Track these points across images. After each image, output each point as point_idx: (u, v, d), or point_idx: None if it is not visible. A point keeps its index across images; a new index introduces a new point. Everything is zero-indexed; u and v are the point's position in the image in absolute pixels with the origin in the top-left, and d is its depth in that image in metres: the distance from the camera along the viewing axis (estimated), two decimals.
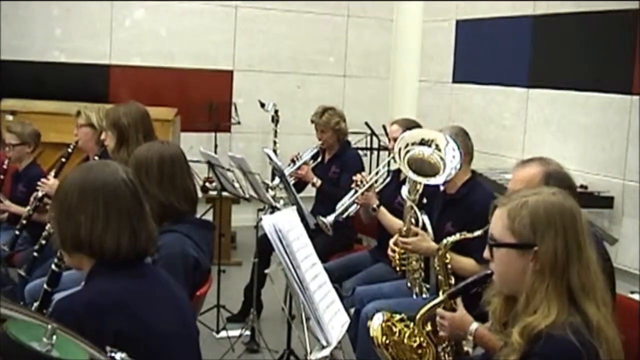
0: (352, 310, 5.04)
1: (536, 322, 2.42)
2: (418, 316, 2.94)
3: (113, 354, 1.95)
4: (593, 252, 2.57)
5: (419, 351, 2.93)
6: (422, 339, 2.93)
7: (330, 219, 5.82)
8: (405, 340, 2.89)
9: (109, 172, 2.71)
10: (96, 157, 5.40)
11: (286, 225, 2.83)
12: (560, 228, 2.49)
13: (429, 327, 3.13)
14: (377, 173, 6.01)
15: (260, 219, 2.88)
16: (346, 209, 5.83)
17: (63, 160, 5.78)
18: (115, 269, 2.64)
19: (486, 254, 2.68)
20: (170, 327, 2.69)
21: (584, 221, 2.56)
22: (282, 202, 6.45)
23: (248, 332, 6.17)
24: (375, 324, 2.80)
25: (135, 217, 2.69)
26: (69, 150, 5.79)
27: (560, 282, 2.46)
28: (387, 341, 2.78)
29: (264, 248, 5.95)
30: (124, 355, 1.95)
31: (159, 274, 2.89)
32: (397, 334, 2.86)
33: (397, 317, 2.93)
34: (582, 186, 7.41)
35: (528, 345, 2.41)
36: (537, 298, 2.46)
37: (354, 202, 5.74)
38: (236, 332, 6.18)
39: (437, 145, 4.44)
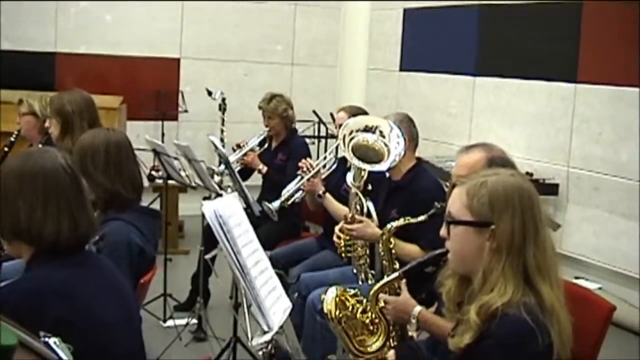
0: (295, 296, 5.06)
1: (492, 301, 2.43)
2: (371, 292, 2.94)
3: (47, 339, 1.92)
4: (549, 235, 2.60)
5: (371, 327, 2.93)
6: (374, 315, 2.93)
7: (275, 204, 5.81)
8: (358, 316, 2.90)
9: (48, 158, 2.67)
10: (40, 146, 5.34)
11: (227, 212, 2.82)
12: (518, 208, 2.51)
13: (381, 304, 3.13)
14: (324, 159, 6.02)
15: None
16: (292, 195, 5.83)
17: (6, 149, 5.71)
18: (55, 257, 2.60)
19: (443, 231, 2.67)
20: (111, 315, 2.67)
21: (540, 203, 2.59)
22: (229, 190, 6.42)
23: (195, 321, 6.15)
24: (329, 298, 2.80)
25: (74, 204, 2.65)
26: (12, 139, 5.73)
27: (516, 261, 2.48)
28: (340, 315, 2.77)
29: (211, 236, 5.89)
30: (57, 339, 1.92)
31: (100, 261, 2.87)
32: (350, 309, 2.86)
33: (351, 292, 2.93)
34: (527, 173, 7.45)
35: (483, 324, 2.43)
36: (494, 277, 2.47)
37: (299, 189, 5.74)
38: (183, 321, 6.13)
39: (381, 132, 4.43)
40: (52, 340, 1.92)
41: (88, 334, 2.50)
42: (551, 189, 7.53)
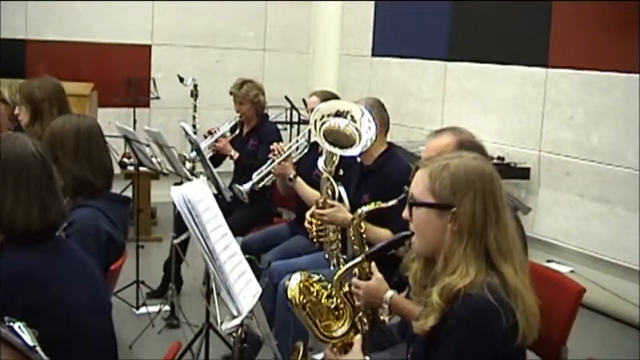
0: (266, 280, 5.05)
1: (454, 282, 2.44)
2: (335, 277, 2.93)
3: (11, 324, 1.91)
4: (511, 218, 2.60)
5: (336, 312, 2.92)
6: (339, 300, 2.93)
7: (246, 187, 5.82)
8: (323, 301, 2.88)
9: (18, 145, 2.65)
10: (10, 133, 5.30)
11: (195, 196, 2.80)
12: (480, 191, 2.51)
13: (346, 288, 3.13)
14: (296, 142, 6.02)
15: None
16: (263, 178, 5.83)
17: None
18: (25, 243, 2.58)
19: (405, 214, 2.68)
20: (81, 300, 2.66)
21: (502, 187, 2.59)
22: (201, 176, 6.40)
23: (167, 308, 6.14)
24: (293, 284, 2.79)
25: (45, 191, 2.64)
26: None
27: (478, 243, 2.49)
28: (305, 301, 2.76)
29: (183, 223, 5.89)
30: (21, 324, 1.91)
31: (70, 247, 2.85)
32: (314, 294, 2.85)
33: (315, 277, 2.92)
34: (499, 157, 7.52)
35: (447, 306, 2.43)
36: (456, 259, 2.48)
37: (270, 172, 5.74)
38: (156, 308, 6.12)
39: (352, 117, 4.41)
40: (17, 325, 1.91)
41: (57, 320, 2.50)
42: (523, 173, 7.57)
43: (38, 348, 1.91)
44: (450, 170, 2.55)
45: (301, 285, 2.79)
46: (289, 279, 2.82)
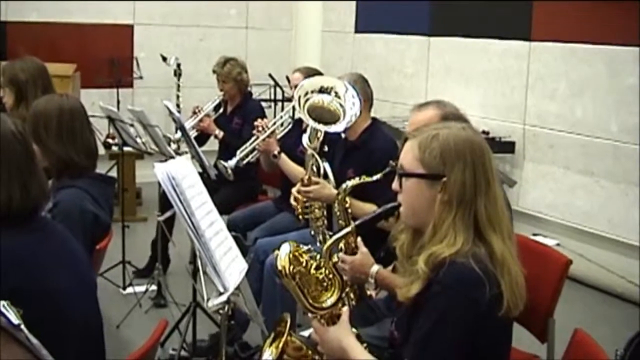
0: (252, 256, 5.06)
1: (440, 251, 2.43)
2: (324, 247, 2.92)
3: None
4: (500, 188, 2.60)
5: (325, 283, 2.92)
6: (327, 271, 2.92)
7: (231, 163, 5.81)
8: (312, 271, 2.87)
9: None
10: None
11: (180, 173, 2.80)
12: (469, 161, 2.50)
13: (335, 259, 3.13)
14: (281, 118, 6.01)
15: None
16: (247, 155, 5.82)
17: None
18: (7, 224, 2.56)
19: (395, 185, 2.67)
20: (66, 282, 2.63)
21: (491, 157, 2.59)
22: (186, 154, 6.39)
23: (154, 287, 6.14)
24: (283, 254, 2.77)
25: (26, 171, 2.61)
26: None
27: (467, 213, 2.48)
28: (294, 271, 2.76)
29: (168, 202, 5.88)
30: (5, 303, 1.90)
31: (54, 227, 2.83)
32: (303, 265, 2.84)
33: (304, 248, 2.91)
34: (483, 132, 7.51)
35: (432, 273, 2.43)
36: (444, 228, 2.47)
37: (255, 148, 5.73)
38: (142, 288, 6.12)
39: (336, 93, 4.40)
40: (1, 304, 1.90)
41: (42, 302, 2.48)
42: (507, 147, 7.60)
43: (23, 326, 1.91)
44: (439, 140, 2.54)
45: (290, 255, 2.78)
46: (279, 249, 2.82)
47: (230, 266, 2.90)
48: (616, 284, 6.65)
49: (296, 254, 2.83)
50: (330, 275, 2.93)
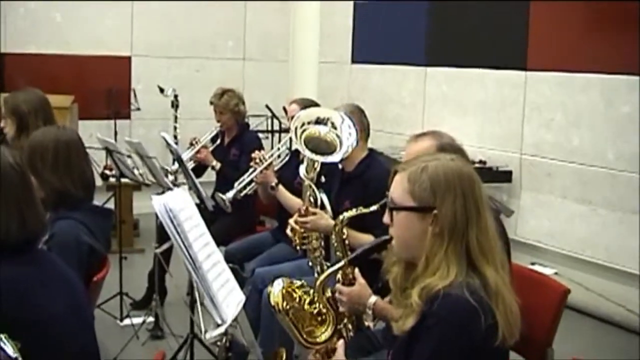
0: (249, 289, 5.05)
1: (434, 283, 2.43)
2: (317, 282, 2.93)
3: None
4: (491, 218, 2.60)
5: (319, 318, 2.92)
6: (321, 305, 2.92)
7: (229, 195, 5.81)
8: (306, 307, 2.88)
9: None
10: None
11: (177, 205, 2.80)
12: (459, 192, 2.51)
13: (329, 294, 3.13)
14: (278, 150, 6.02)
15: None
16: (245, 187, 5.82)
17: None
18: (4, 254, 2.56)
19: (386, 218, 2.67)
20: (62, 313, 2.63)
21: (481, 187, 2.59)
22: (183, 186, 6.40)
23: (152, 319, 6.11)
24: (276, 290, 2.78)
25: (23, 202, 2.62)
26: None
27: (459, 244, 2.48)
28: (288, 307, 2.76)
29: (165, 233, 5.88)
30: (3, 336, 1.90)
31: (50, 259, 2.83)
32: (297, 300, 2.84)
33: (298, 283, 2.92)
34: (480, 161, 7.54)
35: (426, 306, 2.43)
36: (437, 260, 2.47)
37: (252, 180, 5.73)
38: (140, 319, 6.10)
39: (332, 124, 4.41)
40: None
41: (39, 333, 2.48)
42: (505, 176, 7.61)
43: (20, 359, 1.91)
44: (428, 172, 2.55)
45: (284, 291, 2.79)
46: (272, 285, 2.82)
47: (228, 298, 2.89)
48: (615, 312, 6.64)
49: (289, 289, 2.84)
50: (324, 310, 2.93)
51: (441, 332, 2.37)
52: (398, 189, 2.61)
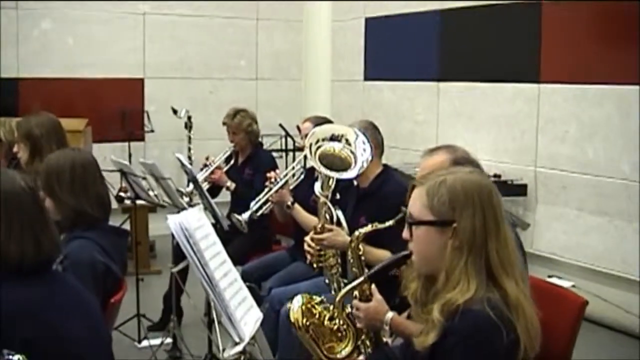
0: (267, 306, 5.04)
1: (455, 298, 2.43)
2: (337, 298, 2.93)
3: (10, 357, 1.90)
4: (510, 231, 2.60)
5: (339, 334, 2.92)
6: (341, 321, 2.92)
7: (245, 216, 5.81)
8: (325, 323, 2.88)
9: (7, 180, 2.64)
10: None
11: (193, 224, 2.81)
12: (478, 205, 2.51)
13: (348, 309, 3.12)
14: (292, 168, 6.02)
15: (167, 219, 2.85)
16: (260, 207, 5.82)
17: None
18: (19, 278, 2.58)
19: (405, 233, 2.67)
20: (79, 334, 2.64)
21: (500, 200, 2.59)
22: (198, 205, 6.39)
23: (170, 340, 6.11)
24: (296, 307, 2.79)
25: (37, 224, 2.64)
26: None
27: (479, 258, 2.48)
28: (308, 323, 2.76)
29: (181, 253, 5.88)
30: (21, 356, 1.91)
31: (65, 279, 2.85)
32: (317, 316, 2.85)
33: (317, 299, 2.92)
34: (495, 175, 7.52)
35: (447, 322, 2.43)
36: (457, 274, 2.47)
37: (268, 200, 5.73)
38: (158, 341, 6.09)
39: (347, 140, 4.42)
40: (16, 358, 1.90)
41: (56, 354, 2.49)
42: (520, 190, 7.59)
43: None
44: (447, 185, 2.55)
45: (303, 307, 2.79)
46: (291, 302, 2.82)
47: (246, 316, 2.89)
48: (634, 323, 6.61)
49: (309, 305, 2.84)
50: (344, 326, 2.94)
51: (464, 351, 2.37)
52: (417, 204, 2.61)
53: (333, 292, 4.55)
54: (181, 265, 4.95)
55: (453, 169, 2.76)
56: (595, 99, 7.02)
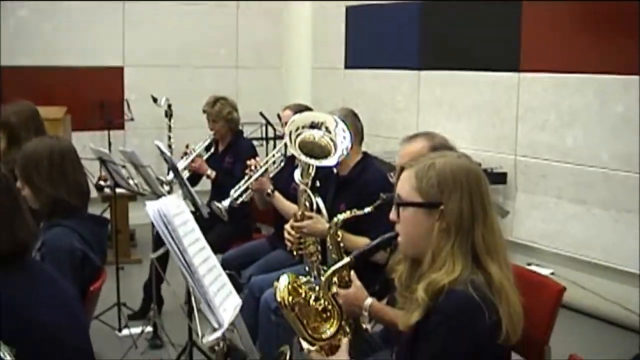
0: (246, 292, 5.05)
1: (440, 278, 2.45)
2: (323, 279, 2.94)
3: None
4: (496, 216, 2.61)
5: (324, 314, 2.92)
6: (327, 302, 2.93)
7: (225, 203, 5.80)
8: (311, 303, 2.88)
9: None
10: None
11: (171, 211, 2.80)
12: (466, 189, 2.53)
13: (334, 290, 3.13)
14: (273, 156, 6.02)
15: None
16: (241, 195, 5.80)
17: None
18: None
19: (393, 215, 2.68)
20: (56, 322, 2.63)
21: (487, 185, 2.61)
22: (179, 192, 6.38)
23: (150, 328, 6.11)
24: (282, 285, 2.78)
25: (11, 213, 2.63)
26: None
27: (465, 241, 2.50)
28: (293, 302, 2.76)
29: (162, 242, 5.87)
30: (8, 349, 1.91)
31: (42, 268, 2.85)
32: (302, 296, 2.85)
33: (303, 279, 2.92)
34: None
35: (431, 301, 2.45)
36: (442, 256, 2.49)
37: (248, 188, 5.73)
38: (138, 329, 6.09)
39: (327, 128, 4.43)
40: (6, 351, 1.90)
41: (33, 342, 2.48)
42: (500, 178, 7.61)
43: None
44: (436, 169, 2.57)
45: (290, 286, 2.79)
46: (278, 280, 2.83)
47: (225, 302, 2.89)
48: (611, 311, 6.66)
49: (295, 285, 2.84)
50: (330, 307, 2.94)
51: (447, 329, 2.39)
52: (405, 186, 2.62)
53: (313, 279, 4.58)
54: (160, 251, 4.93)
55: (443, 152, 2.78)
56: (575, 88, 7.04)
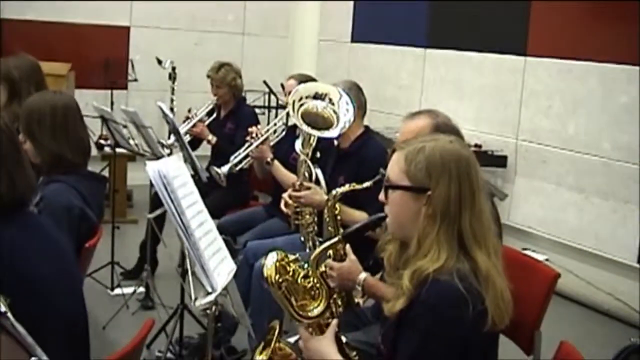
0: (240, 261, 5.05)
1: (425, 266, 2.42)
2: (312, 257, 2.93)
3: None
4: (486, 203, 2.59)
5: (312, 292, 2.92)
6: (315, 280, 2.92)
7: (224, 169, 5.78)
8: (299, 281, 2.87)
9: None
10: None
11: (171, 172, 2.80)
12: (455, 175, 2.50)
13: (322, 268, 3.12)
14: (274, 125, 6.00)
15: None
16: (240, 161, 5.79)
17: None
18: None
19: (381, 196, 2.67)
20: (50, 273, 2.62)
21: (478, 171, 2.58)
22: (179, 154, 6.37)
23: (142, 289, 6.12)
24: (270, 263, 2.77)
25: (12, 164, 2.61)
26: None
27: (451, 227, 2.47)
28: (281, 280, 2.76)
29: (159, 203, 5.88)
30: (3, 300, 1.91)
31: (39, 221, 2.84)
32: (290, 274, 2.84)
33: (292, 257, 2.91)
34: (476, 145, 7.54)
35: (415, 290, 2.43)
36: (428, 242, 2.47)
37: (248, 155, 5.72)
38: (130, 289, 6.11)
39: (330, 99, 4.43)
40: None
41: (25, 295, 2.46)
42: (499, 161, 7.61)
43: (9, 314, 1.91)
44: (426, 153, 2.54)
45: (277, 264, 2.78)
46: (265, 258, 2.82)
47: (219, 266, 2.89)
48: (604, 300, 6.67)
49: (283, 262, 2.83)
50: (318, 285, 2.93)
51: (430, 320, 2.37)
52: (394, 168, 2.60)
53: (308, 250, 4.59)
54: (157, 212, 4.93)
55: (435, 136, 2.75)
56: (580, 75, 7.03)
